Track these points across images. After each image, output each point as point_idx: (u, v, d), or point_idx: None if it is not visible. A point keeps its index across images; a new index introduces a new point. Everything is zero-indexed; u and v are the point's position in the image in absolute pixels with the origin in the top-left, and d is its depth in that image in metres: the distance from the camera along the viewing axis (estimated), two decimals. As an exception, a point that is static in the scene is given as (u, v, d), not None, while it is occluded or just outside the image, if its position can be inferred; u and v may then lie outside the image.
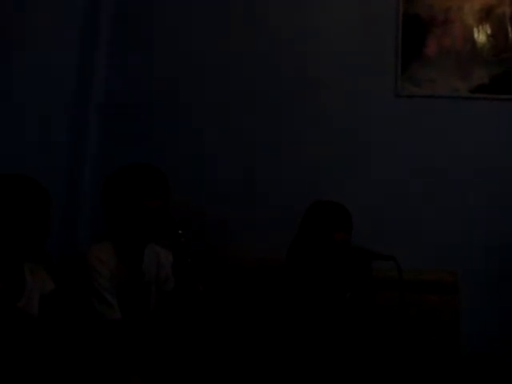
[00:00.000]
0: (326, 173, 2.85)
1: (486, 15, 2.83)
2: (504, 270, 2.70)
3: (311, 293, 2.22)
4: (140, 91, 2.96)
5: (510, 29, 2.81)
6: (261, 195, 2.87)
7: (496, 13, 2.83)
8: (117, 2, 2.97)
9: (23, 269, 1.87)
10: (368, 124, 2.86)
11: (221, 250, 2.75)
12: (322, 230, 2.24)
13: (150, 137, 2.93)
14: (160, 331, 2.07)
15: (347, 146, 2.86)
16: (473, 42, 2.83)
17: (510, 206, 2.75)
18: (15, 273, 1.84)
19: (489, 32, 2.83)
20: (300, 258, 2.29)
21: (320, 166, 2.86)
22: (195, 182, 2.85)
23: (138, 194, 2.06)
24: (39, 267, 1.95)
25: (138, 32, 2.98)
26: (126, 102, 2.95)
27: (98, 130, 2.90)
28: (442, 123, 2.83)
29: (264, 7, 2.95)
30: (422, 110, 2.84)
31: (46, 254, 1.93)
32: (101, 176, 2.69)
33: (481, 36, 2.83)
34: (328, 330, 2.18)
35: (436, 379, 2.39)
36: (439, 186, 2.80)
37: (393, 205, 2.80)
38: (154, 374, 1.99)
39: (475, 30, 2.83)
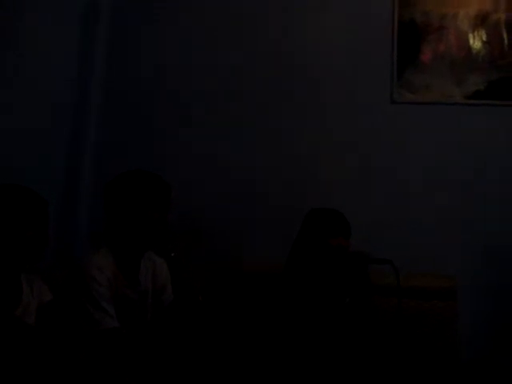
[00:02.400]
0: (322, 177, 2.85)
1: (481, 22, 2.84)
2: (502, 274, 2.71)
3: (309, 298, 2.22)
4: (140, 92, 2.97)
5: (505, 35, 2.82)
6: (261, 198, 2.87)
7: (491, 19, 2.84)
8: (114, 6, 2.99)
9: (20, 279, 1.86)
10: (363, 130, 2.87)
11: (220, 253, 2.76)
12: (319, 236, 2.24)
13: (150, 137, 2.94)
14: (158, 341, 2.06)
15: (343, 151, 2.87)
16: (468, 48, 2.84)
17: (507, 209, 2.76)
18: (12, 283, 1.83)
19: (484, 38, 2.84)
20: (298, 264, 2.29)
21: (316, 170, 2.87)
22: (195, 183, 2.85)
23: (140, 204, 2.05)
24: (36, 277, 1.94)
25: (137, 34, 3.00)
26: (126, 102, 2.96)
27: (97, 132, 2.90)
28: (438, 129, 2.83)
29: (263, 13, 2.95)
30: (418, 117, 2.85)
31: (43, 264, 1.92)
32: (99, 181, 2.71)
33: (476, 42, 2.84)
34: (327, 335, 2.18)
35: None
36: (436, 191, 2.80)
37: (389, 210, 2.80)
38: (152, 382, 1.98)
39: (470, 36, 2.85)
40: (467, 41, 2.84)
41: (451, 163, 2.81)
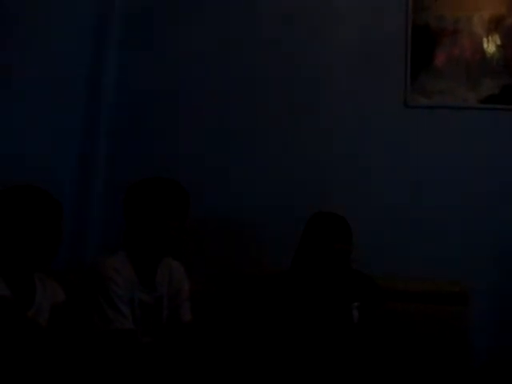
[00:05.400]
0: (333, 180, 2.85)
1: (495, 26, 2.83)
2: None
3: (314, 302, 2.24)
4: (149, 93, 2.97)
5: (519, 39, 2.81)
6: (261, 198, 2.86)
7: (505, 23, 2.82)
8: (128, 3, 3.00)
9: (34, 279, 1.89)
10: (377, 134, 2.86)
11: (222, 257, 2.78)
12: (322, 241, 2.26)
13: (164, 140, 2.93)
14: (171, 345, 2.09)
15: (356, 156, 2.87)
16: (482, 52, 2.83)
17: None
18: (26, 283, 1.86)
19: (498, 42, 2.82)
20: (303, 268, 2.31)
21: (327, 173, 2.86)
22: (195, 183, 2.87)
23: (159, 212, 2.07)
24: (50, 278, 1.97)
25: (148, 33, 3.01)
26: (136, 102, 2.97)
27: (109, 133, 2.91)
28: (452, 134, 2.82)
29: (269, 17, 2.95)
30: (432, 121, 2.84)
31: (56, 267, 1.95)
32: (111, 183, 2.74)
33: (490, 46, 2.82)
34: (331, 339, 2.19)
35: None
36: (448, 195, 2.79)
37: (399, 213, 2.79)
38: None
39: (484, 40, 2.83)
40: (481, 45, 2.83)
41: (464, 168, 2.80)
